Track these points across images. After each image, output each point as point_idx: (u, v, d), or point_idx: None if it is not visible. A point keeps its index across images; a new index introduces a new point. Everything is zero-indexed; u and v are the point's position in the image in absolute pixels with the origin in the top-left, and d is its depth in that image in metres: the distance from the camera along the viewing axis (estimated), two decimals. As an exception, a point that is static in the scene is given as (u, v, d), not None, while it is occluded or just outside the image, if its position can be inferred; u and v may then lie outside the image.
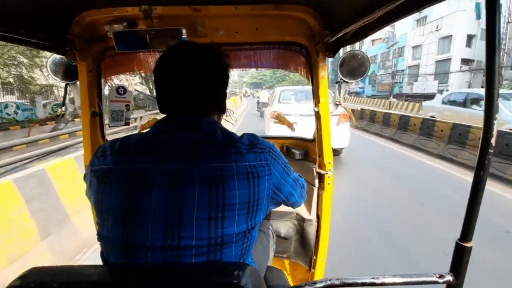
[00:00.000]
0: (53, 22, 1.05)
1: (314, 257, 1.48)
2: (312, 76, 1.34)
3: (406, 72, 30.07)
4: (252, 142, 0.67)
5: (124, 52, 1.21)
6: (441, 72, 24.90)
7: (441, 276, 0.56)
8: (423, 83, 26.68)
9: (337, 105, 1.39)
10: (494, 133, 0.48)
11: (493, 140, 0.48)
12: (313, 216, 1.46)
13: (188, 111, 0.68)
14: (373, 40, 36.30)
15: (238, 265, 0.55)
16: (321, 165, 1.39)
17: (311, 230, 1.47)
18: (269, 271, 1.12)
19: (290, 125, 1.66)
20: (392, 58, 32.12)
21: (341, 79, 1.32)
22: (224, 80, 0.72)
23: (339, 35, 1.03)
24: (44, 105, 15.66)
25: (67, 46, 1.13)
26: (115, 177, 0.62)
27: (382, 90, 32.39)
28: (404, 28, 29.46)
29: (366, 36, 0.97)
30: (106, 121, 1.36)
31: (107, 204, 0.61)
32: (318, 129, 1.38)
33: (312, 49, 1.26)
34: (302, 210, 1.52)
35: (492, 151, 0.49)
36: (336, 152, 6.16)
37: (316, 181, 1.44)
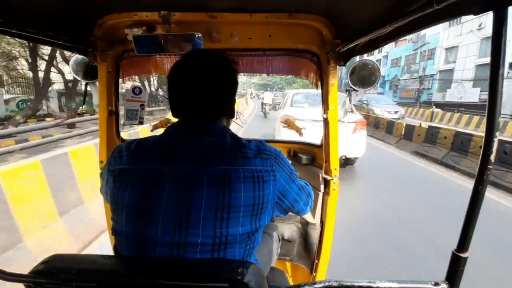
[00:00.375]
0: (77, 25, 1.11)
1: (316, 261, 1.50)
2: (322, 84, 1.36)
3: (436, 77, 26.38)
4: (260, 148, 0.71)
5: (143, 54, 1.27)
6: (483, 78, 19.96)
7: (436, 284, 0.58)
8: (459, 90, 22.83)
9: (348, 112, 1.41)
10: (494, 149, 0.50)
11: (492, 157, 0.50)
12: (317, 221, 1.48)
13: (201, 116, 0.72)
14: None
15: (242, 263, 0.58)
16: (327, 171, 1.41)
17: (315, 234, 1.49)
18: (271, 272, 1.15)
19: (299, 130, 1.68)
20: (419, 61, 28.16)
21: (351, 87, 1.34)
22: (234, 86, 0.77)
23: (351, 46, 1.06)
24: (7, 101, 13.41)
25: (89, 47, 1.19)
26: (131, 177, 0.66)
27: (405, 96, 29.18)
28: (436, 28, 24.39)
29: (376, 48, 1.00)
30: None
31: (122, 201, 0.66)
32: (326, 135, 1.40)
33: (323, 57, 1.29)
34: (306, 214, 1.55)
35: (491, 166, 0.51)
36: (350, 162, 5.88)
37: (322, 186, 1.46)
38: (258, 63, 1.39)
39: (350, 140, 5.24)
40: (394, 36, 0.83)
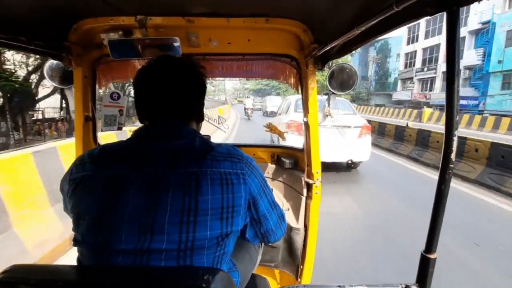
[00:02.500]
0: (51, 29, 1.09)
1: (301, 267, 1.48)
2: (302, 87, 1.37)
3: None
4: (230, 152, 0.69)
5: (119, 59, 1.25)
6: None
7: (407, 287, 0.57)
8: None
9: (326, 115, 1.42)
10: (454, 149, 0.51)
11: (453, 156, 0.51)
12: (300, 225, 1.47)
13: (168, 119, 0.70)
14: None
15: (209, 270, 0.56)
16: (309, 175, 1.41)
17: (299, 239, 1.47)
18: (252, 279, 1.12)
19: (281, 134, 1.68)
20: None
21: (330, 91, 1.36)
22: (201, 89, 0.76)
23: (326, 49, 1.07)
24: None
25: (63, 52, 1.17)
26: (92, 183, 0.63)
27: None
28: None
29: (350, 51, 1.01)
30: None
31: (83, 209, 0.62)
32: (307, 139, 1.40)
33: (302, 61, 1.30)
34: (290, 218, 1.53)
35: (452, 166, 0.52)
36: (354, 165, 5.96)
37: (305, 191, 1.46)
38: (238, 67, 1.40)
39: (356, 144, 5.38)
40: (362, 39, 0.85)
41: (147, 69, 0.73)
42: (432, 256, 0.57)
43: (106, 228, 0.60)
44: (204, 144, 0.69)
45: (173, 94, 0.70)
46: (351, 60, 33.18)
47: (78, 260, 0.67)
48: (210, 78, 1.47)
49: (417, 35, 30.67)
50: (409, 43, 32.20)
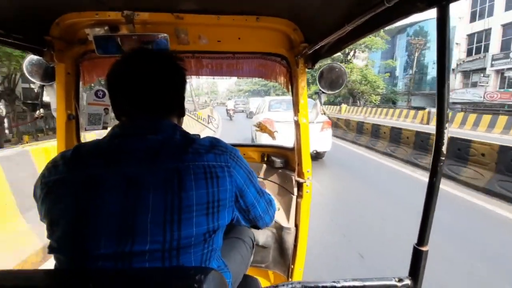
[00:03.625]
0: (31, 23, 1.04)
1: (292, 266, 1.47)
2: (292, 86, 1.38)
3: None
4: (213, 144, 0.67)
5: (105, 56, 1.21)
6: None
7: (400, 280, 0.58)
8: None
9: (319, 114, 1.43)
10: (445, 141, 0.52)
11: (444, 148, 0.52)
12: (291, 224, 1.47)
13: (146, 113, 0.67)
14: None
15: (200, 269, 0.54)
16: (300, 174, 1.41)
17: (289, 239, 1.47)
18: (244, 280, 1.11)
19: (271, 134, 1.68)
20: None
21: (320, 90, 1.37)
22: (181, 82, 0.73)
23: (316, 48, 1.08)
24: None
25: (45, 47, 1.11)
26: (66, 187, 0.59)
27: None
28: None
29: (340, 50, 1.02)
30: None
31: (57, 214, 0.59)
32: (298, 138, 1.41)
33: (292, 60, 1.31)
34: (281, 218, 1.53)
35: (443, 158, 0.53)
36: (319, 156, 6.95)
37: (295, 190, 1.46)
38: (228, 66, 1.38)
39: (319, 137, 6.33)
40: (353, 37, 0.86)
41: (121, 62, 0.68)
42: (424, 249, 0.58)
43: (83, 233, 0.57)
44: (185, 137, 0.66)
45: (150, 87, 0.66)
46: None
47: (56, 268, 0.63)
48: (198, 77, 1.44)
49: (491, 7, 20.65)
50: (475, 19, 21.93)
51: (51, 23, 1.09)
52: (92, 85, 1.45)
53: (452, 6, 0.51)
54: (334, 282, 0.56)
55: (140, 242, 0.56)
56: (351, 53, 29.71)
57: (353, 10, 0.73)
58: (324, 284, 0.55)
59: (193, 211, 0.59)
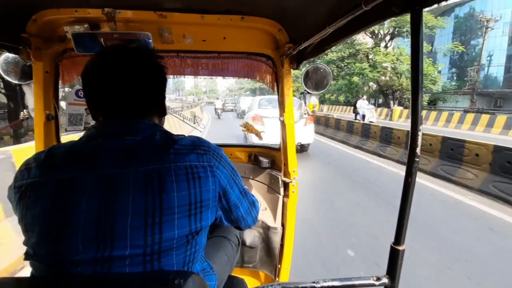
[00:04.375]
0: (6, 19, 0.99)
1: (279, 266, 1.48)
2: (278, 87, 1.38)
3: None
4: (195, 143, 0.65)
5: (85, 54, 1.18)
6: None
7: (378, 279, 0.59)
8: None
9: (304, 114, 1.45)
10: (419, 143, 0.53)
11: (418, 150, 0.53)
12: (278, 224, 1.48)
13: (124, 113, 0.64)
14: None
15: (180, 274, 0.53)
16: (286, 174, 1.42)
17: (276, 239, 1.48)
18: (229, 281, 1.10)
19: (258, 133, 1.68)
20: None
21: (305, 90, 1.38)
22: (160, 80, 0.70)
23: (300, 48, 1.09)
24: None
25: (21, 45, 1.07)
26: (39, 190, 0.57)
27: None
28: None
29: (324, 51, 1.03)
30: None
31: (31, 219, 0.56)
32: (283, 138, 1.41)
33: (277, 60, 1.31)
34: (267, 218, 1.53)
35: (418, 159, 0.54)
36: (304, 148, 7.83)
37: (282, 190, 1.47)
38: (214, 65, 1.37)
39: (303, 131, 7.16)
40: (334, 38, 0.87)
41: (97, 59, 0.65)
42: (400, 248, 0.59)
43: (59, 239, 0.55)
44: (166, 137, 0.64)
45: (127, 86, 0.64)
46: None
47: (32, 275, 0.60)
48: (184, 76, 1.42)
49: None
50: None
51: (27, 20, 1.05)
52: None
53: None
54: (313, 282, 0.57)
55: (120, 246, 0.54)
56: (387, 38, 23.28)
57: (334, 13, 0.74)
58: (304, 285, 0.56)
59: (174, 213, 0.57)
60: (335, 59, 24.11)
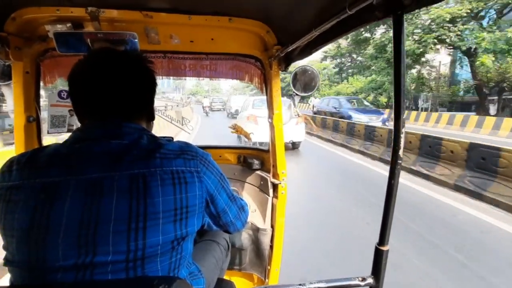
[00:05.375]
0: None
1: (268, 267, 1.48)
2: (266, 88, 1.38)
3: None
4: (183, 148, 0.65)
5: (68, 54, 1.14)
6: None
7: (363, 279, 0.60)
8: None
9: (294, 116, 1.46)
10: (402, 145, 0.54)
11: (401, 152, 0.54)
12: (267, 226, 1.48)
13: (111, 116, 0.63)
14: None
15: (165, 279, 0.52)
16: (275, 175, 1.42)
17: (266, 240, 1.47)
18: (219, 284, 1.09)
19: (247, 135, 1.68)
20: None
21: (294, 92, 1.39)
22: (150, 85, 0.70)
23: (288, 50, 1.09)
24: None
25: None
26: (21, 194, 0.55)
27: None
28: None
29: (310, 53, 1.04)
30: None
31: (12, 224, 0.55)
32: (272, 140, 1.41)
33: (266, 62, 1.31)
34: (257, 219, 1.53)
35: (401, 161, 0.55)
36: (295, 146, 8.18)
37: (271, 191, 1.47)
38: (201, 67, 1.36)
39: (295, 129, 7.55)
40: (321, 41, 0.87)
41: (85, 61, 0.65)
42: (384, 248, 0.60)
43: (40, 244, 0.53)
44: (153, 142, 0.63)
45: (115, 89, 0.63)
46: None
47: (11, 282, 0.58)
48: (171, 77, 1.41)
49: None
50: None
51: (6, 18, 1.01)
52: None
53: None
54: (300, 285, 0.57)
55: (102, 252, 0.53)
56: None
57: (320, 16, 0.75)
58: None
59: (159, 218, 0.56)
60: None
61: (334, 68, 32.07)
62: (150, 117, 0.73)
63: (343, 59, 30.27)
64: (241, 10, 1.11)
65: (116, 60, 0.65)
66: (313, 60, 32.12)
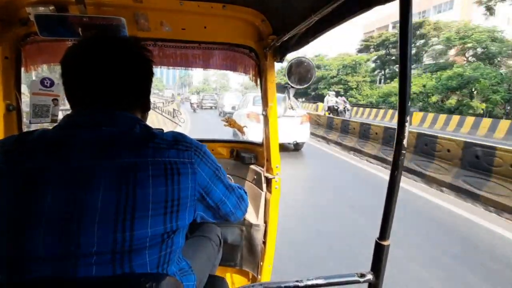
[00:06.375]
0: None
1: (261, 263, 1.46)
2: (261, 80, 1.34)
3: None
4: (177, 139, 0.62)
5: (51, 39, 1.07)
6: None
7: (362, 275, 0.58)
8: None
9: (288, 108, 1.42)
10: (406, 135, 0.52)
11: (405, 142, 0.51)
12: (260, 221, 1.45)
13: (104, 105, 0.60)
14: None
15: (152, 276, 0.49)
16: (269, 170, 1.39)
17: (259, 236, 1.45)
18: (210, 280, 1.06)
19: (240, 129, 1.64)
20: None
21: (288, 84, 1.35)
22: (146, 74, 0.67)
23: (284, 40, 1.05)
24: None
25: None
26: (4, 178, 0.52)
27: None
28: None
29: (308, 42, 1.01)
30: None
31: None
32: (266, 133, 1.38)
33: (260, 52, 1.27)
34: (250, 215, 1.50)
35: (404, 152, 0.52)
36: (298, 147, 7.59)
37: (264, 186, 1.44)
38: (193, 56, 1.31)
39: (299, 129, 7.08)
40: (320, 28, 0.84)
41: (79, 47, 0.62)
42: (385, 243, 0.58)
43: (20, 232, 0.50)
44: (146, 131, 0.61)
45: (109, 77, 0.60)
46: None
47: None
48: (161, 67, 1.35)
49: None
50: None
51: None
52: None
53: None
54: (297, 281, 0.54)
55: (86, 243, 0.50)
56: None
57: (319, 0, 0.71)
58: (287, 284, 0.53)
59: (148, 210, 0.54)
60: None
61: (375, 62, 26.44)
62: (145, 107, 0.70)
63: (391, 50, 23.92)
64: None
65: (112, 47, 0.62)
66: (344, 54, 27.91)
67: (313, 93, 30.12)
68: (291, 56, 1.29)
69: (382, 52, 25.49)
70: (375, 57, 26.39)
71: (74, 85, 0.62)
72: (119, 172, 0.53)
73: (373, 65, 27.29)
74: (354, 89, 25.93)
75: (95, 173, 0.53)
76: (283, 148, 7.35)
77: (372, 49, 26.65)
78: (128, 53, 0.64)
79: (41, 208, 0.50)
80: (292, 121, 6.88)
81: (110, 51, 0.61)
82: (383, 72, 26.68)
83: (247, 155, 1.58)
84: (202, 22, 1.18)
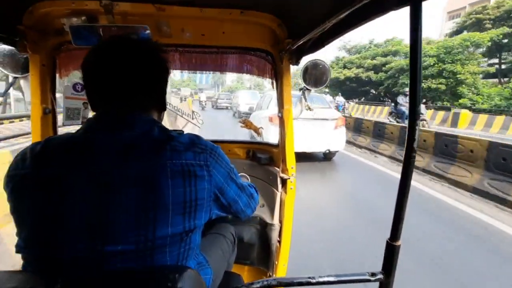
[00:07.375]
0: (2, 11, 0.98)
1: (276, 262, 1.48)
2: (277, 83, 1.37)
3: None
4: (193, 141, 0.64)
5: (83, 47, 1.17)
6: None
7: (373, 275, 0.59)
8: None
9: (306, 109, 1.44)
10: (417, 137, 0.53)
11: (415, 144, 0.52)
12: (276, 221, 1.48)
13: (123, 106, 0.63)
14: None
15: (175, 268, 0.53)
16: (284, 170, 1.41)
17: (274, 235, 1.48)
18: (225, 277, 1.10)
19: (257, 130, 1.68)
20: None
21: (304, 86, 1.37)
22: (162, 74, 0.69)
23: (300, 43, 1.08)
24: None
25: (17, 37, 1.06)
26: (32, 183, 0.56)
27: None
28: None
29: (323, 46, 1.02)
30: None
31: (23, 212, 0.56)
32: (282, 135, 1.40)
33: (276, 56, 1.30)
34: (265, 214, 1.53)
35: (415, 154, 0.53)
36: (330, 155, 6.30)
37: (279, 186, 1.46)
38: (212, 61, 1.36)
39: (333, 135, 5.85)
40: (334, 33, 0.86)
41: (97, 50, 0.65)
42: (396, 244, 0.59)
43: (50, 233, 0.54)
44: (163, 134, 0.64)
45: (127, 79, 0.63)
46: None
47: (24, 268, 0.60)
48: (182, 71, 1.41)
49: None
50: None
51: (24, 12, 1.04)
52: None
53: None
54: (309, 278, 0.57)
55: (112, 243, 0.54)
56: None
57: (334, 6, 0.73)
58: (299, 280, 0.56)
59: (168, 210, 0.57)
60: None
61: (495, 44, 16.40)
62: (161, 107, 0.73)
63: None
64: (252, 3, 1.10)
65: (129, 49, 0.65)
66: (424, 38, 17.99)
67: (372, 91, 22.19)
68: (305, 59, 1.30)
69: (504, 30, 16.48)
70: (497, 36, 16.49)
71: (92, 88, 0.65)
72: (139, 175, 0.56)
73: (481, 50, 17.54)
74: (465, 86, 16.71)
75: (117, 176, 0.56)
76: (306, 157, 5.98)
77: (488, 26, 17.33)
78: (145, 55, 0.66)
79: (69, 210, 0.54)
80: (324, 124, 5.79)
81: (126, 53, 0.64)
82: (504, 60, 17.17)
83: (263, 156, 1.61)
84: (221, 27, 1.23)
